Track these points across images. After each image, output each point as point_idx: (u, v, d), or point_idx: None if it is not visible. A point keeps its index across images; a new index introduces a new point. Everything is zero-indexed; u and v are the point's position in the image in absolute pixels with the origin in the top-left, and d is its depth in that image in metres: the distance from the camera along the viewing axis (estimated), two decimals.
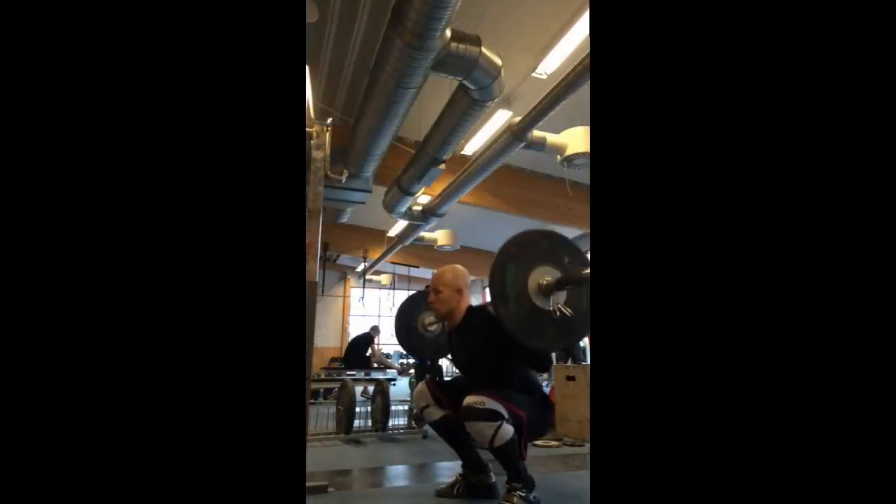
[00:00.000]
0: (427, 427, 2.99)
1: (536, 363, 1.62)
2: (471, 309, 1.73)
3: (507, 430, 1.43)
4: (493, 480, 1.66)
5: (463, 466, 1.70)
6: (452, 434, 1.67)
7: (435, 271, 1.82)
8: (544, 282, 1.43)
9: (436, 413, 1.67)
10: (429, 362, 3.97)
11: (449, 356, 1.99)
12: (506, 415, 1.43)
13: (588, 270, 1.43)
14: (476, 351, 1.69)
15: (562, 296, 1.45)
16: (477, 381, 1.61)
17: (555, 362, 6.14)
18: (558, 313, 1.42)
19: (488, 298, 1.46)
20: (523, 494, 1.46)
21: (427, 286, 2.21)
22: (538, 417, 1.60)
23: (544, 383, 6.72)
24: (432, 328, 2.15)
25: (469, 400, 1.45)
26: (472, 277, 2.05)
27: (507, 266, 1.42)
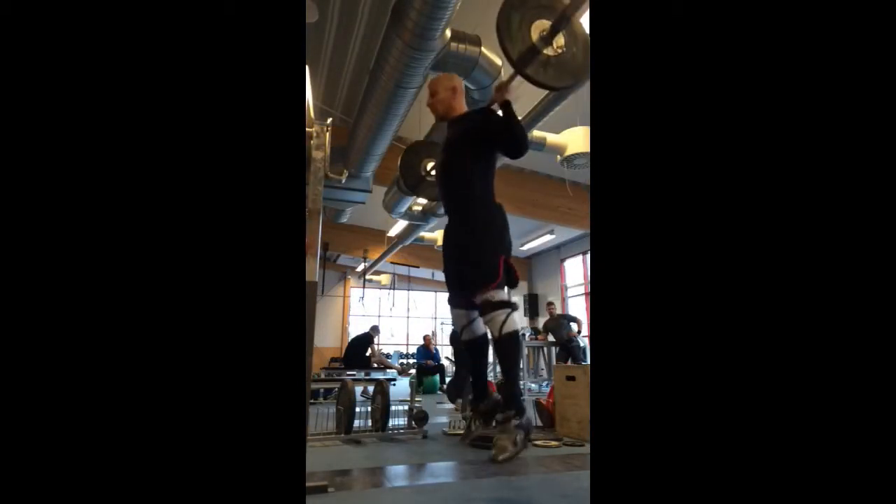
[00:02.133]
0: (427, 427, 2.99)
1: (513, 147, 1.77)
2: (467, 112, 1.92)
3: (514, 320, 1.68)
4: (498, 397, 1.81)
5: (471, 402, 1.89)
6: (482, 355, 1.85)
7: (431, 79, 2.03)
8: (544, 31, 1.60)
9: (480, 327, 1.83)
10: (433, 364, 3.94)
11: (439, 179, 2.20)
12: (511, 299, 1.70)
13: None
14: (461, 137, 1.84)
15: (560, 38, 1.62)
16: (453, 171, 1.85)
17: (555, 362, 6.16)
18: (563, 51, 1.61)
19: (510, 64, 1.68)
20: (517, 422, 1.62)
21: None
22: (504, 231, 1.84)
23: (544, 384, 6.67)
24: (433, 172, 2.53)
25: (480, 298, 1.69)
26: None
27: (512, 13, 1.59)
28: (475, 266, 1.70)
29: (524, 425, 1.62)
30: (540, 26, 1.61)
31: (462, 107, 1.92)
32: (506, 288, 1.68)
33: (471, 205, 1.78)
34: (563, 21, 1.61)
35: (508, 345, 1.65)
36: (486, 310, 1.67)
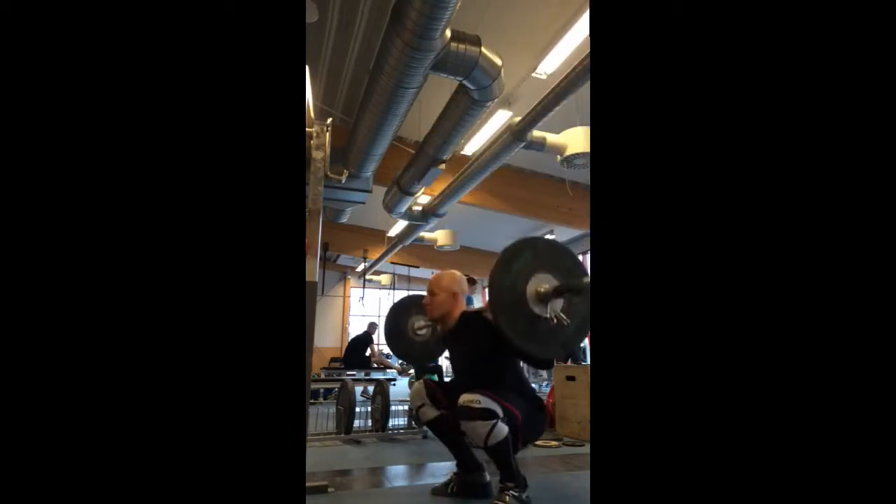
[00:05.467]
0: (427, 427, 3.00)
1: (535, 362, 1.63)
2: (464, 314, 1.75)
3: (502, 428, 1.45)
4: (488, 480, 1.67)
5: (457, 466, 1.72)
6: (448, 434, 1.70)
7: (432, 275, 1.84)
8: (542, 289, 1.43)
9: (430, 413, 1.69)
10: (430, 364, 3.86)
11: (446, 356, 2.00)
12: (500, 413, 1.45)
13: (586, 279, 1.44)
14: (471, 354, 1.70)
15: (559, 303, 1.45)
16: (472, 383, 1.63)
17: (555, 363, 6.15)
18: (555, 321, 1.42)
19: (487, 298, 1.45)
20: (516, 494, 1.48)
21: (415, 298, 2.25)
22: (533, 417, 1.62)
23: (544, 384, 6.64)
24: (422, 332, 2.16)
25: (464, 398, 1.46)
26: (476, 276, 1.99)
27: (505, 274, 1.42)
28: (482, 369, 1.55)
29: (524, 500, 1.48)
30: (536, 287, 1.41)
31: (458, 312, 1.75)
32: (498, 404, 1.46)
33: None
34: (566, 291, 1.42)
35: (497, 451, 1.45)
36: (464, 415, 1.43)
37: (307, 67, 1.78)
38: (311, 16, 3.59)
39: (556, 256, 1.53)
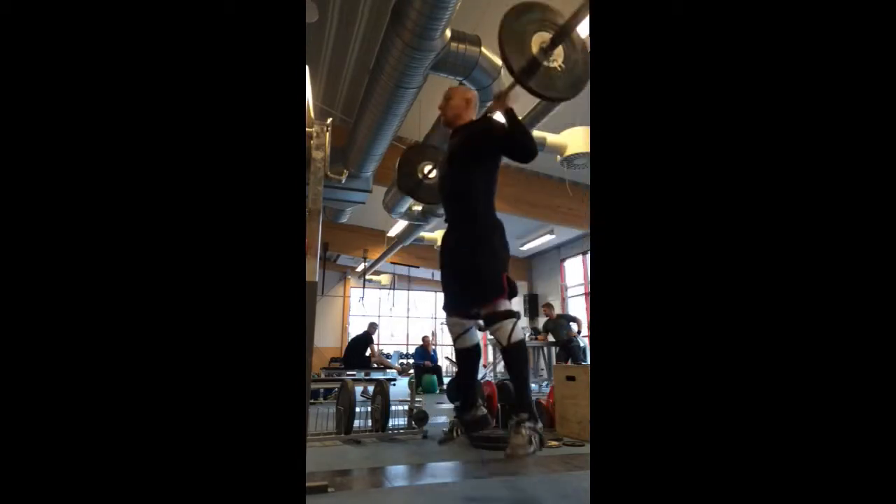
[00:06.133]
0: (427, 427, 2.99)
1: (521, 153, 1.79)
2: (472, 120, 1.96)
3: (520, 329, 1.72)
4: (485, 412, 1.83)
5: (456, 409, 1.85)
6: (473, 364, 1.87)
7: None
8: (544, 42, 1.67)
9: (475, 337, 1.85)
10: (430, 364, 3.92)
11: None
12: (514, 309, 1.73)
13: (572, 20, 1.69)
14: (465, 145, 1.88)
15: (559, 54, 1.70)
16: (456, 181, 1.87)
17: (555, 362, 6.16)
18: (553, 64, 1.69)
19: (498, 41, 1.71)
20: (531, 425, 1.60)
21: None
22: (503, 245, 1.85)
23: (544, 384, 6.63)
24: (431, 175, 2.54)
25: (486, 310, 1.73)
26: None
27: (514, 21, 1.65)
28: (481, 283, 1.74)
29: (538, 430, 1.62)
30: (540, 39, 1.67)
31: (468, 118, 1.97)
32: (508, 299, 1.72)
33: (474, 222, 1.82)
34: (562, 35, 1.66)
35: (517, 353, 1.70)
36: (493, 320, 1.71)
37: (307, 67, 1.81)
38: (311, 16, 3.59)
39: (555, 19, 1.74)
